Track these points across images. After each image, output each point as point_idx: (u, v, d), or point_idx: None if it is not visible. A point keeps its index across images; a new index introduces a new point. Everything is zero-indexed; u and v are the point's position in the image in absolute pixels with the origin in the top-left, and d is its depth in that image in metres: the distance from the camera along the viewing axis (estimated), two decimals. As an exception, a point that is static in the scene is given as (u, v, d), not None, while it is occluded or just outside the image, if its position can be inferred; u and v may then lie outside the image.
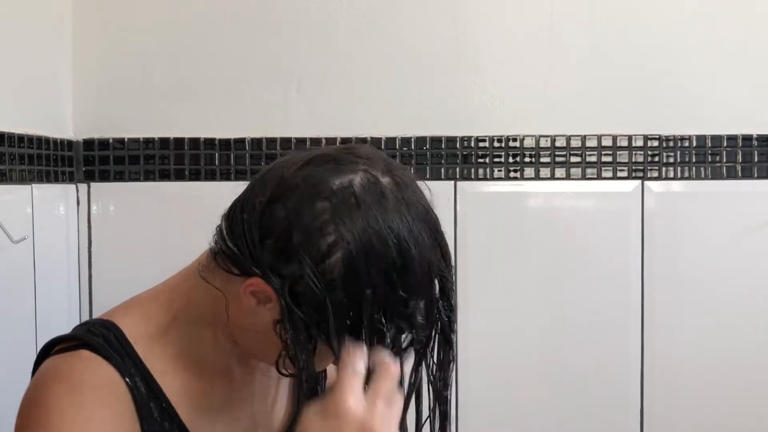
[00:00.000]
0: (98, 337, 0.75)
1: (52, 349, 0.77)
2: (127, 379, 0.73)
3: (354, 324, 0.70)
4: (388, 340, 0.70)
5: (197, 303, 0.79)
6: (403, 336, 0.73)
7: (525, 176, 1.45)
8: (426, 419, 0.76)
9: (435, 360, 0.75)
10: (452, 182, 1.43)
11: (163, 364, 0.77)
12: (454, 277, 0.76)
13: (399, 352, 0.72)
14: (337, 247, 0.68)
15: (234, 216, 0.75)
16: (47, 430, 0.69)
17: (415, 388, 0.75)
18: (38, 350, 0.81)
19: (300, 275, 0.68)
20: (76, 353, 0.74)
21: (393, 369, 0.69)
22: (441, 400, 0.76)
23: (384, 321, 0.70)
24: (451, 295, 0.75)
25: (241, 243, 0.72)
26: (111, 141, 1.46)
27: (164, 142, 1.45)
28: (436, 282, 0.73)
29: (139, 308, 0.80)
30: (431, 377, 0.76)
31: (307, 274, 0.68)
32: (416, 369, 0.75)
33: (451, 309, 0.75)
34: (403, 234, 0.69)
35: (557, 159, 1.45)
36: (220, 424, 0.81)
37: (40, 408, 0.71)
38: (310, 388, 0.72)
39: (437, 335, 0.75)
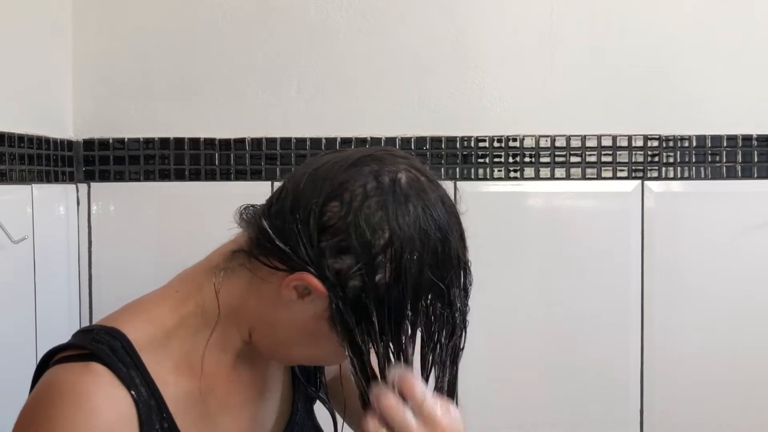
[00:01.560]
0: (104, 345, 0.74)
1: (52, 357, 0.76)
2: (133, 392, 0.73)
3: (400, 314, 0.73)
4: (432, 330, 0.75)
5: (207, 304, 0.79)
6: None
7: (525, 176, 1.45)
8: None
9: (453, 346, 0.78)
10: (452, 182, 1.43)
11: (167, 371, 0.76)
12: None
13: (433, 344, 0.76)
14: (389, 242, 0.72)
15: (283, 216, 0.76)
16: None
17: (455, 380, 0.79)
18: (38, 351, 0.81)
19: (356, 268, 0.72)
20: (83, 365, 0.73)
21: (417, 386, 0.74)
22: (453, 390, 0.79)
23: (430, 310, 0.74)
24: (470, 285, 0.79)
25: (294, 241, 0.74)
26: (111, 141, 1.46)
27: (164, 142, 1.45)
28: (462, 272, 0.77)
29: (145, 312, 0.80)
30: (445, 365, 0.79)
31: (362, 266, 0.72)
32: (454, 362, 0.78)
33: (468, 298, 0.79)
34: (442, 226, 0.75)
35: (557, 159, 1.45)
36: (221, 428, 0.81)
37: (43, 423, 0.70)
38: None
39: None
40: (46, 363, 0.77)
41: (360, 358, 0.74)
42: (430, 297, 0.74)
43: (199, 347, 0.79)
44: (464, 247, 0.79)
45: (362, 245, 0.72)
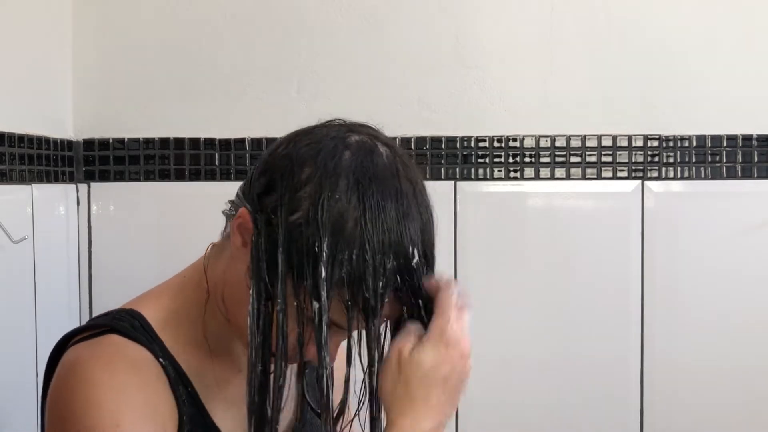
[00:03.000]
0: (125, 322, 0.76)
1: (69, 341, 0.77)
2: (161, 360, 0.74)
3: (314, 259, 0.68)
4: (323, 287, 0.68)
5: (202, 289, 0.80)
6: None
7: (525, 176, 1.45)
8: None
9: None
10: (452, 182, 1.43)
11: (183, 351, 0.78)
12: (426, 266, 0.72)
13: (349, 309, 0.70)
14: (310, 179, 0.69)
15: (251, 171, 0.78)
16: (89, 407, 0.68)
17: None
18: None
19: (275, 205, 0.70)
20: (103, 338, 0.74)
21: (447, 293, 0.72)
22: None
23: (335, 268, 0.68)
24: (414, 280, 0.71)
25: (246, 185, 0.75)
26: (111, 141, 1.46)
27: (164, 142, 1.45)
28: (410, 252, 0.70)
29: (155, 298, 0.82)
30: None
31: (278, 203, 0.70)
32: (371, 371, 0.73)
33: (414, 295, 0.72)
34: (383, 189, 0.70)
35: (557, 159, 1.45)
36: (233, 410, 0.82)
37: (77, 388, 0.70)
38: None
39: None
40: (62, 347, 0.78)
41: (259, 306, 0.70)
42: (352, 255, 0.68)
43: (206, 332, 0.80)
44: (418, 224, 0.71)
45: (284, 181, 0.70)
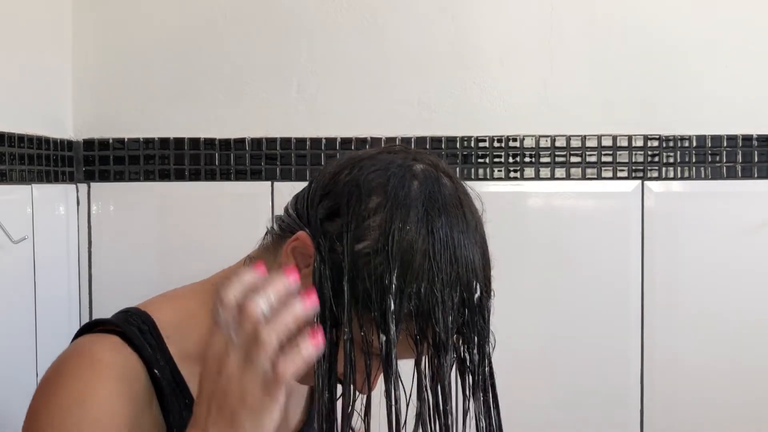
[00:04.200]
0: (134, 326, 0.75)
1: (91, 329, 0.78)
2: (156, 371, 0.73)
3: (382, 290, 0.67)
4: (392, 324, 0.67)
5: None
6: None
7: (525, 176, 1.45)
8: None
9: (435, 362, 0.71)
10: (452, 182, 1.43)
11: (192, 360, 0.77)
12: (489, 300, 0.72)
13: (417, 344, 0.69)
14: (379, 209, 0.68)
15: (302, 190, 0.76)
16: (57, 397, 0.69)
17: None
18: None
19: (340, 232, 0.68)
20: (105, 336, 0.75)
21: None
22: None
23: (400, 302, 0.67)
24: (484, 316, 0.71)
25: (301, 206, 0.74)
26: (111, 141, 1.46)
27: (164, 142, 1.45)
28: (473, 286, 0.70)
29: (177, 303, 0.81)
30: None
31: (344, 230, 0.68)
32: (439, 385, 0.71)
33: (479, 329, 0.70)
34: (452, 221, 0.69)
35: (557, 159, 1.45)
36: None
37: (56, 378, 0.72)
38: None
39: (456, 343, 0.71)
40: (81, 334, 0.78)
41: (324, 333, 0.68)
42: (420, 288, 0.67)
43: None
44: (481, 257, 0.71)
45: (350, 207, 0.69)
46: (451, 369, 0.70)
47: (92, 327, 0.78)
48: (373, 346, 0.68)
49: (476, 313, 0.70)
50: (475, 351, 0.71)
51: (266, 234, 0.81)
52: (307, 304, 0.61)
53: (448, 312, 0.68)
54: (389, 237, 0.67)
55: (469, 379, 0.71)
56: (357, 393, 0.71)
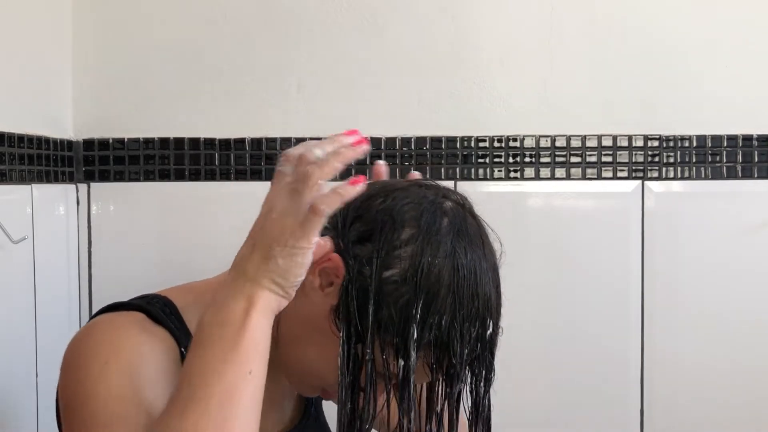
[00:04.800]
0: (157, 307, 0.77)
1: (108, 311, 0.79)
2: (183, 349, 0.75)
3: (406, 319, 0.71)
4: (413, 354, 0.71)
5: None
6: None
7: (525, 176, 1.45)
8: None
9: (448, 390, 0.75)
10: (452, 182, 1.43)
11: None
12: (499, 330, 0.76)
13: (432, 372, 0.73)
14: (411, 241, 0.72)
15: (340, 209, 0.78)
16: (95, 358, 0.70)
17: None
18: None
19: (370, 257, 0.71)
20: (131, 313, 0.76)
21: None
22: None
23: (426, 333, 0.71)
24: (493, 351, 0.75)
25: (333, 222, 0.75)
26: (111, 141, 1.46)
27: (164, 142, 1.45)
28: (488, 323, 0.73)
29: (195, 294, 0.82)
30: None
31: (375, 256, 0.71)
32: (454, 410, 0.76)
33: (487, 364, 0.75)
34: (475, 260, 0.73)
35: (557, 159, 1.45)
36: None
37: (86, 340, 0.72)
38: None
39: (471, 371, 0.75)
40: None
41: (349, 349, 0.72)
42: (442, 321, 0.71)
43: None
44: (496, 296, 0.75)
45: (383, 235, 0.72)
46: (459, 397, 0.75)
47: (109, 310, 0.78)
48: (391, 370, 0.72)
49: (487, 348, 0.74)
50: (482, 384, 0.75)
51: None
52: (359, 150, 0.71)
53: (465, 345, 0.72)
54: (418, 269, 0.71)
55: (471, 407, 0.77)
56: (375, 409, 0.74)
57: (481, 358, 0.74)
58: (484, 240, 0.76)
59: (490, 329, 0.73)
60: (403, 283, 0.71)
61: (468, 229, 0.75)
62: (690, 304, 1.44)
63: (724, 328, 1.43)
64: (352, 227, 0.74)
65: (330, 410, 1.04)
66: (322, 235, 0.75)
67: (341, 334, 0.72)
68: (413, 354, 0.70)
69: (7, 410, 1.20)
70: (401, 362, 0.71)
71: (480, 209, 0.83)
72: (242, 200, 1.45)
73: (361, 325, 0.71)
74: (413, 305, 0.70)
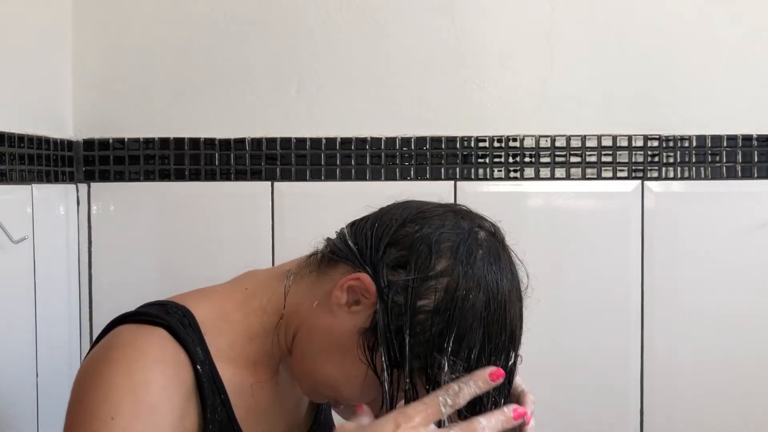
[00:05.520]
0: (176, 318, 0.77)
1: (121, 322, 0.78)
2: (198, 367, 0.75)
3: (437, 348, 0.72)
4: (443, 379, 0.72)
5: (270, 307, 0.81)
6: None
7: (525, 176, 1.45)
8: None
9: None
10: (452, 182, 1.43)
11: (226, 359, 0.79)
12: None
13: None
14: (446, 272, 0.72)
15: (363, 225, 0.79)
16: (110, 384, 0.70)
17: None
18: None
19: (404, 285, 0.72)
20: (152, 328, 0.76)
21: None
22: None
23: (450, 362, 0.72)
24: (511, 381, 0.77)
25: (362, 243, 0.76)
26: (111, 141, 1.46)
27: (164, 142, 1.45)
28: (511, 354, 0.76)
29: (215, 301, 0.82)
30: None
31: (410, 285, 0.72)
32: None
33: (506, 393, 0.76)
34: (505, 288, 0.75)
35: (557, 159, 1.45)
36: (263, 424, 0.83)
37: (106, 365, 0.72)
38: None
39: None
40: (114, 325, 0.79)
41: (388, 369, 0.73)
42: (472, 353, 0.72)
43: (257, 346, 0.81)
44: (520, 328, 0.78)
45: (419, 263, 0.73)
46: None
47: (129, 318, 0.78)
48: (419, 394, 0.73)
49: (506, 378, 0.75)
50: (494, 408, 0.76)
51: (313, 254, 0.82)
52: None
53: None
54: (452, 301, 0.72)
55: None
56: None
57: (501, 387, 0.75)
58: (513, 272, 0.78)
59: (512, 360, 0.76)
60: (436, 314, 0.71)
61: (501, 262, 0.76)
62: (690, 303, 1.44)
63: (724, 328, 1.43)
64: (386, 252, 0.75)
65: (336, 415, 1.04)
66: (346, 254, 0.76)
67: (384, 359, 0.72)
68: (442, 382, 0.71)
69: (7, 410, 1.19)
70: (428, 388, 0.72)
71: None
72: (242, 200, 1.45)
73: (399, 353, 0.72)
74: (446, 337, 0.71)
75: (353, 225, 0.81)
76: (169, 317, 0.76)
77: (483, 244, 0.76)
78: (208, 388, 0.76)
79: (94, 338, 0.80)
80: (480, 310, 0.72)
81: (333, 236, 0.82)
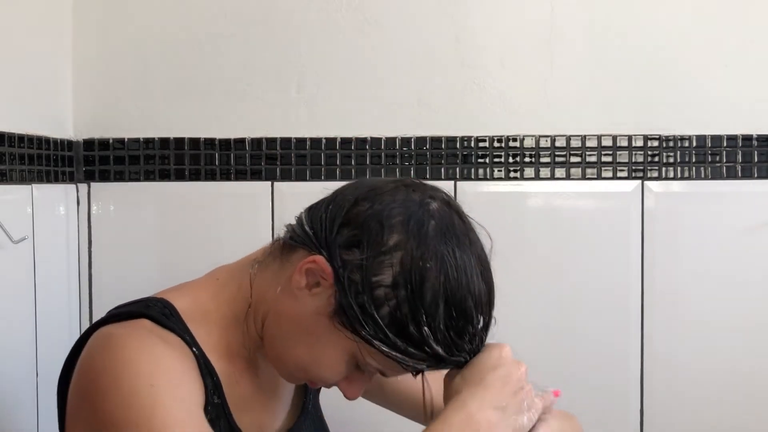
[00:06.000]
0: (157, 310, 0.78)
1: (101, 326, 0.78)
2: (194, 349, 0.77)
3: (399, 323, 0.73)
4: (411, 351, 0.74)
5: (240, 295, 0.83)
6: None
7: (525, 176, 1.45)
8: None
9: None
10: (452, 182, 1.43)
11: (211, 348, 0.80)
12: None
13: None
14: (399, 246, 0.73)
15: (318, 207, 0.80)
16: (125, 369, 0.70)
17: None
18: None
19: (359, 263, 0.73)
20: (136, 321, 0.77)
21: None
22: None
23: (419, 331, 0.73)
24: (481, 345, 0.78)
25: (318, 227, 0.77)
26: (111, 141, 1.46)
27: (164, 142, 1.45)
28: (478, 319, 0.76)
29: (191, 293, 0.84)
30: None
31: (364, 262, 0.73)
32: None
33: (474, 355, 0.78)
34: (465, 261, 0.75)
35: (557, 159, 1.45)
36: (250, 412, 0.85)
37: (113, 354, 0.72)
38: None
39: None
40: (90, 333, 0.79)
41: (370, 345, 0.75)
42: (436, 321, 0.73)
43: (232, 336, 0.82)
44: (488, 292, 0.77)
45: (371, 240, 0.73)
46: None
47: (102, 323, 0.79)
48: (370, 366, 0.76)
49: (476, 341, 0.76)
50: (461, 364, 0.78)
51: (275, 241, 0.84)
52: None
53: (452, 342, 0.74)
54: (409, 273, 0.72)
55: None
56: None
57: (470, 351, 0.76)
58: (471, 238, 0.78)
59: (481, 323, 0.76)
60: (395, 287, 0.72)
61: (455, 229, 0.76)
62: (690, 303, 1.44)
63: (724, 328, 1.43)
64: (339, 233, 0.75)
65: (326, 405, 1.04)
66: (303, 238, 0.78)
67: (360, 334, 0.74)
68: (413, 351, 0.73)
69: (7, 410, 1.20)
70: (400, 357, 0.74)
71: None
72: (242, 200, 1.45)
73: (372, 327, 0.73)
74: (406, 308, 0.72)
75: (310, 209, 0.82)
76: (149, 310, 0.78)
77: (435, 214, 0.76)
78: (203, 369, 0.77)
79: (71, 349, 0.80)
80: (438, 279, 0.73)
81: (293, 222, 0.84)
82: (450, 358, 0.75)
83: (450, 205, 0.79)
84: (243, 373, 0.84)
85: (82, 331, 0.81)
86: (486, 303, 0.76)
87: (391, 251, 0.73)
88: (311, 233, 0.77)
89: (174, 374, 0.72)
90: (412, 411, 1.00)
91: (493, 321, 0.78)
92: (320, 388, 1.00)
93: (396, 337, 0.73)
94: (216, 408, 0.78)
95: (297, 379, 0.84)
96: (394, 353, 0.73)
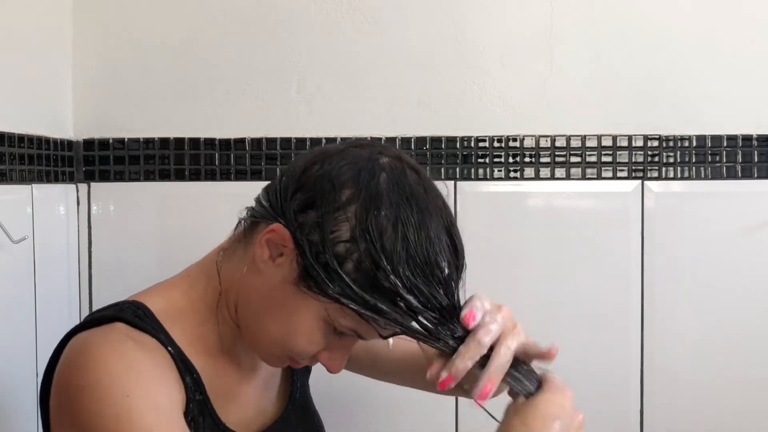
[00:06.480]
0: (129, 313, 0.78)
1: (73, 335, 0.79)
2: (169, 348, 0.77)
3: (368, 278, 0.72)
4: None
5: (210, 287, 0.83)
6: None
7: (525, 176, 1.45)
8: None
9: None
10: (452, 182, 1.43)
11: (188, 344, 0.80)
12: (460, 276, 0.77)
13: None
14: (352, 199, 0.73)
15: (273, 182, 0.80)
16: (100, 380, 0.70)
17: None
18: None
19: (315, 223, 0.73)
20: (110, 326, 0.77)
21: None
22: None
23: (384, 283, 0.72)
24: (454, 291, 0.76)
25: (273, 198, 0.78)
26: (111, 141, 1.46)
27: (164, 142, 1.45)
28: (444, 264, 0.74)
29: (163, 292, 0.84)
30: None
31: (319, 221, 0.73)
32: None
33: (447, 303, 0.75)
34: (421, 208, 0.74)
35: (557, 159, 1.45)
36: (234, 405, 0.85)
37: (87, 364, 0.72)
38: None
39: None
40: (66, 342, 0.79)
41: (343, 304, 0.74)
42: (402, 270, 0.72)
43: (207, 330, 0.83)
44: (452, 238, 0.76)
45: (324, 199, 0.73)
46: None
47: (76, 332, 0.79)
48: (344, 327, 0.76)
49: (450, 288, 0.75)
50: (440, 319, 0.76)
51: (238, 224, 0.84)
52: None
53: (420, 290, 0.73)
54: (365, 224, 0.72)
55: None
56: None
57: (440, 298, 0.74)
58: (426, 186, 0.77)
59: (447, 271, 0.74)
60: (354, 241, 0.72)
61: (408, 179, 0.75)
62: (690, 303, 1.44)
63: (724, 328, 1.43)
64: (293, 198, 0.75)
65: (321, 399, 1.04)
66: (261, 213, 0.78)
67: (329, 294, 0.73)
68: (384, 308, 0.72)
69: (7, 410, 1.20)
70: (371, 316, 0.73)
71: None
72: (242, 200, 1.44)
73: (339, 283, 0.72)
74: (369, 260, 0.71)
75: (266, 186, 0.82)
76: (122, 313, 0.78)
77: (386, 167, 0.76)
78: (182, 368, 0.77)
79: (49, 358, 0.80)
80: (397, 227, 0.72)
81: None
82: (426, 310, 0.73)
83: (401, 159, 0.79)
84: (224, 367, 0.84)
85: (54, 348, 0.81)
86: (448, 246, 0.75)
87: (345, 206, 0.73)
88: (268, 205, 0.78)
89: (149, 380, 0.72)
90: (408, 375, 1.00)
91: (463, 266, 0.77)
92: (308, 374, 1.00)
93: (364, 291, 0.72)
94: (198, 405, 0.78)
95: (277, 358, 0.83)
96: (364, 311, 0.72)
